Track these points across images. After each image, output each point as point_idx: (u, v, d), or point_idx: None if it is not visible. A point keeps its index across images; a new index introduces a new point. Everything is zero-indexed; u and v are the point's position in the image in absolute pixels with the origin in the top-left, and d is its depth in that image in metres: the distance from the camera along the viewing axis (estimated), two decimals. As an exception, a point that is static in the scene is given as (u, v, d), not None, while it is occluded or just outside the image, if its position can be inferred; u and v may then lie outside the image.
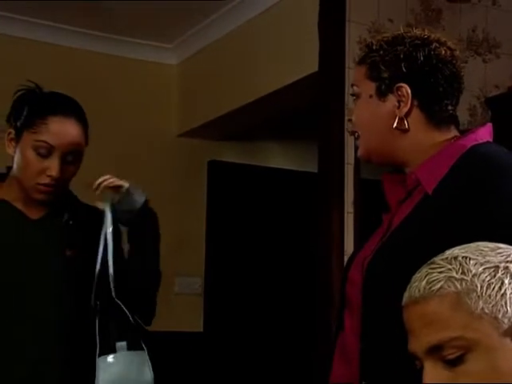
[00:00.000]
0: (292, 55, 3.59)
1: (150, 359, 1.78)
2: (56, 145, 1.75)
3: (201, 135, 4.49)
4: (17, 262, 1.78)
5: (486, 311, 0.88)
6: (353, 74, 3.22)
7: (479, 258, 0.91)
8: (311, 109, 3.34)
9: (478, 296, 0.89)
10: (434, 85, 1.40)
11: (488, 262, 0.91)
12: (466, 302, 0.89)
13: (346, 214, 3.25)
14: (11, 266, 1.77)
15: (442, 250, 0.97)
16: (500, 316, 0.88)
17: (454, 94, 1.43)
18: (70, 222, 1.84)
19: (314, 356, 3.28)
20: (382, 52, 1.42)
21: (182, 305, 4.35)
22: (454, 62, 1.43)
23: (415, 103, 1.40)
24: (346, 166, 3.27)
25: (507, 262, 0.91)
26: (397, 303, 0.98)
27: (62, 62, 4.20)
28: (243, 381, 4.31)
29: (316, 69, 3.28)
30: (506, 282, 0.90)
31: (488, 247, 0.94)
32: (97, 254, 1.84)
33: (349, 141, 3.28)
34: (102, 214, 1.90)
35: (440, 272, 0.91)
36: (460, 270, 0.90)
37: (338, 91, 3.26)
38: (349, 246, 3.24)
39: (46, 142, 1.74)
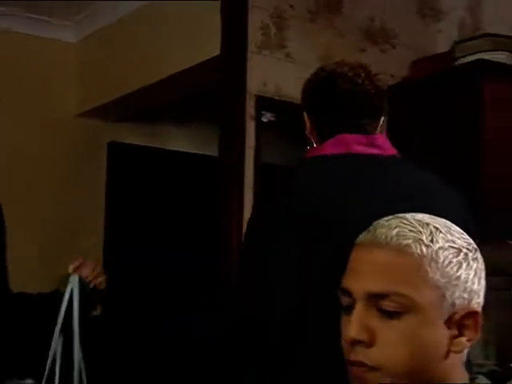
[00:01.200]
0: (195, 37, 3.57)
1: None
2: None
3: (100, 116, 4.41)
4: None
5: (439, 285, 0.91)
6: (253, 57, 3.29)
7: (447, 234, 0.94)
8: (213, 92, 3.34)
9: (438, 268, 0.91)
10: (319, 108, 1.66)
11: (453, 241, 0.94)
12: (425, 269, 0.91)
13: (245, 198, 3.28)
14: None
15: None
16: (448, 294, 0.91)
17: (346, 121, 1.61)
18: None
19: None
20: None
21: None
22: (354, 95, 1.61)
23: (311, 127, 1.67)
24: (246, 149, 3.29)
25: (468, 249, 0.95)
26: None
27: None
28: (142, 363, 4.29)
29: (218, 52, 3.28)
30: (464, 267, 0.93)
31: (455, 229, 0.97)
32: None
33: (249, 125, 3.31)
34: None
35: (411, 230, 0.92)
36: (429, 238, 0.92)
37: (239, 75, 3.28)
38: (248, 230, 3.27)
39: None
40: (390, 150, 1.60)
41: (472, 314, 0.92)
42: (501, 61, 3.19)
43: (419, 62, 3.54)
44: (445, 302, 0.91)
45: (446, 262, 0.91)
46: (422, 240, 0.91)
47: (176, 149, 4.67)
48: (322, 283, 1.29)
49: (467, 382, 0.93)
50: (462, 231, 0.97)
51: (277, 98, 3.38)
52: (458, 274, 0.92)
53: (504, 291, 2.68)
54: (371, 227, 0.95)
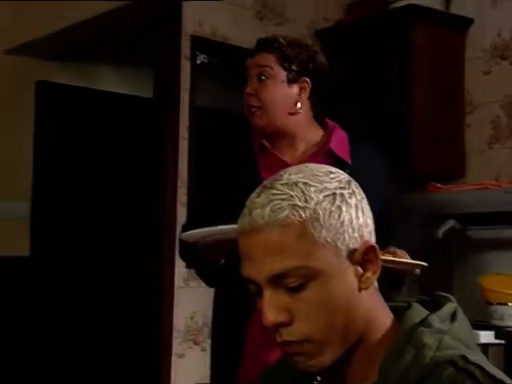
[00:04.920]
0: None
1: None
2: None
3: (29, 53, 4.25)
4: None
5: (328, 240, 0.90)
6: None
7: (318, 184, 0.92)
8: (149, 31, 3.30)
9: (321, 225, 0.90)
10: (322, 84, 1.85)
11: (326, 188, 0.92)
12: (310, 232, 0.89)
13: (180, 140, 3.28)
14: None
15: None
16: (339, 244, 0.91)
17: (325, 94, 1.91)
18: None
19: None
20: (293, 49, 1.82)
21: (7, 229, 4.22)
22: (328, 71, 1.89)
23: (308, 95, 1.84)
24: (181, 91, 3.28)
25: (341, 188, 0.93)
26: None
27: None
28: (69, 304, 4.29)
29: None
30: (344, 209, 0.92)
31: (321, 172, 0.94)
32: None
33: (185, 65, 3.28)
34: None
35: (283, 199, 0.90)
36: (303, 198, 0.90)
37: (174, 15, 3.24)
38: (183, 172, 3.28)
39: None
40: None
41: (370, 248, 0.93)
42: (430, 6, 3.27)
43: (354, 6, 3.57)
44: (340, 252, 0.91)
45: (327, 214, 0.90)
46: (297, 205, 0.90)
47: (109, 89, 4.57)
48: None
49: (386, 307, 0.97)
50: (329, 169, 0.96)
51: (212, 39, 3.36)
52: (341, 219, 0.91)
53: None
54: (246, 209, 0.93)
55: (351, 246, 0.92)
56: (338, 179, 0.94)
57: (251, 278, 0.92)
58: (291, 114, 1.83)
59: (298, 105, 1.82)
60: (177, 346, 3.27)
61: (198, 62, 3.65)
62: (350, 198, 0.93)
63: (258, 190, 0.94)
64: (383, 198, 1.77)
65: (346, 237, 0.92)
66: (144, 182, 3.59)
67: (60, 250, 4.34)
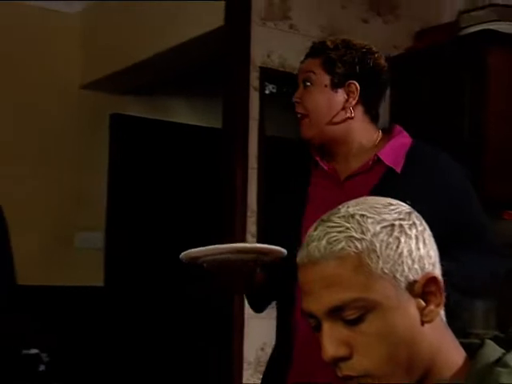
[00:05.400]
0: (199, 8, 3.55)
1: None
2: None
3: (104, 87, 4.40)
4: None
5: (386, 271, 0.89)
6: (258, 29, 3.28)
7: (376, 216, 0.91)
8: (218, 63, 3.34)
9: (378, 256, 0.89)
10: (375, 86, 1.72)
11: (384, 220, 0.91)
12: (367, 263, 0.89)
13: (249, 170, 3.29)
14: None
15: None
16: (398, 275, 0.89)
17: (382, 97, 1.75)
18: None
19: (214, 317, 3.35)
20: (338, 51, 1.69)
21: (82, 259, 4.31)
22: (387, 71, 1.74)
23: (358, 99, 1.70)
24: (250, 121, 3.29)
25: (400, 219, 0.92)
26: None
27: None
28: (144, 334, 4.33)
29: (223, 23, 3.27)
30: (402, 240, 0.90)
31: (380, 204, 0.93)
32: None
33: (253, 96, 3.30)
34: None
35: (339, 232, 0.90)
36: (359, 230, 0.90)
37: (243, 47, 3.27)
38: (252, 201, 3.29)
39: None
40: None
41: (431, 279, 0.91)
42: (505, 31, 3.18)
43: (423, 33, 3.52)
44: (399, 284, 0.89)
45: (384, 245, 0.89)
46: (353, 236, 0.89)
47: (180, 121, 4.66)
48: None
49: (458, 344, 0.93)
50: (389, 201, 0.94)
51: (281, 69, 3.38)
52: (400, 250, 0.90)
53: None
54: (305, 243, 0.93)
55: (411, 277, 0.90)
56: (397, 210, 0.93)
57: (310, 311, 0.91)
58: (339, 121, 1.69)
59: (347, 111, 1.69)
60: (247, 377, 3.24)
61: (267, 92, 3.67)
62: (409, 229, 0.92)
63: (315, 223, 0.94)
64: (441, 216, 1.57)
65: (405, 268, 0.90)
66: (214, 212, 3.61)
67: (133, 281, 4.40)
